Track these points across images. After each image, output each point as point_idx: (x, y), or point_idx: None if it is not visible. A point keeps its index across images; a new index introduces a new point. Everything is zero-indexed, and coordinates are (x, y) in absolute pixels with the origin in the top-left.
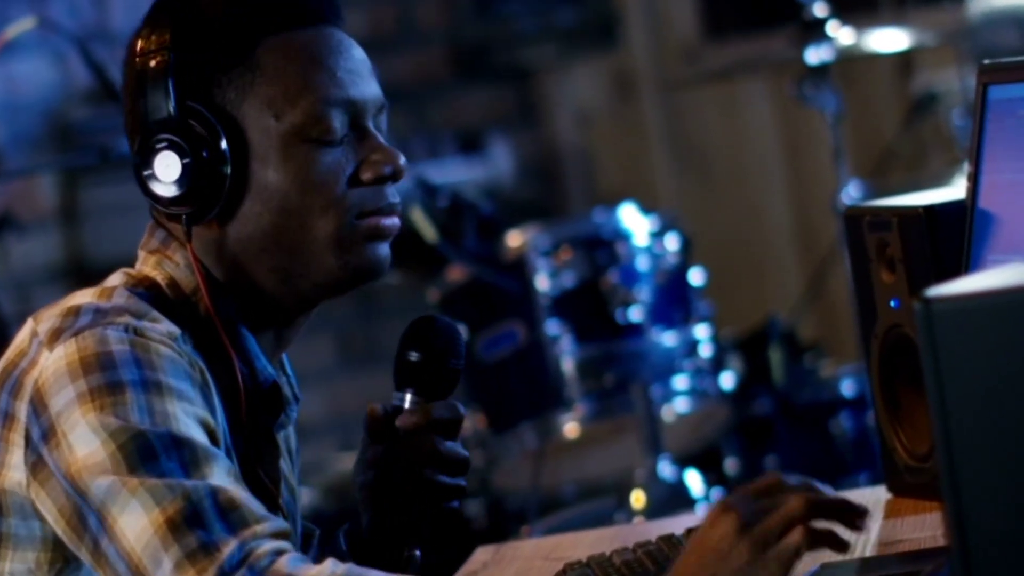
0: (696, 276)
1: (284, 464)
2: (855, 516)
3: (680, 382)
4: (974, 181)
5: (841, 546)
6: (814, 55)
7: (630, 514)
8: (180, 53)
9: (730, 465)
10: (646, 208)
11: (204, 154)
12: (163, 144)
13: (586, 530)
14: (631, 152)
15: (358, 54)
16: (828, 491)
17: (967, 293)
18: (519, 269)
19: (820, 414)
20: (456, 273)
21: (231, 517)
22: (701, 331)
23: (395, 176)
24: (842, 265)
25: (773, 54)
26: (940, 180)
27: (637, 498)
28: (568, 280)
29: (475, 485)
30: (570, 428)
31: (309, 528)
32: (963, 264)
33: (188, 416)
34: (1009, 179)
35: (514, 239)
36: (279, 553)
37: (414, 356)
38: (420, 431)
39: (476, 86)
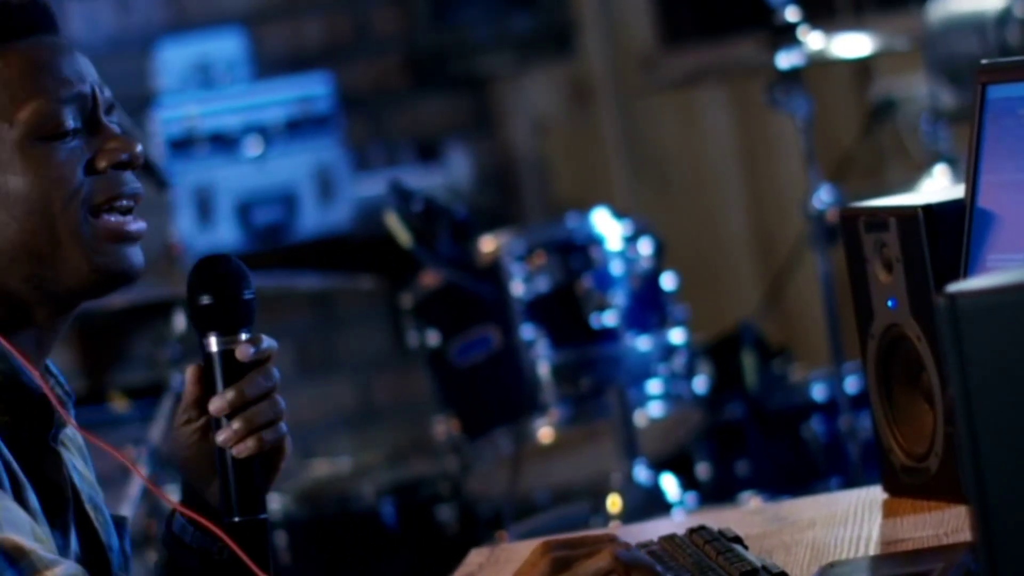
0: (669, 281)
1: (77, 462)
2: None
3: (654, 386)
4: (972, 180)
5: None
6: (784, 60)
7: (606, 518)
8: None
9: (702, 470)
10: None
11: None
12: None
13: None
14: (588, 160)
15: (81, 58)
16: (642, 557)
17: (991, 288)
18: (493, 274)
19: (792, 419)
20: (430, 278)
21: (21, 565)
22: (676, 335)
23: (132, 162)
24: (804, 270)
25: (736, 60)
26: (900, 186)
27: (613, 502)
28: (542, 285)
29: (448, 491)
30: (545, 433)
31: (119, 517)
32: (962, 264)
33: None
34: (1008, 179)
35: (488, 244)
36: None
37: (206, 300)
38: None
39: (433, 94)
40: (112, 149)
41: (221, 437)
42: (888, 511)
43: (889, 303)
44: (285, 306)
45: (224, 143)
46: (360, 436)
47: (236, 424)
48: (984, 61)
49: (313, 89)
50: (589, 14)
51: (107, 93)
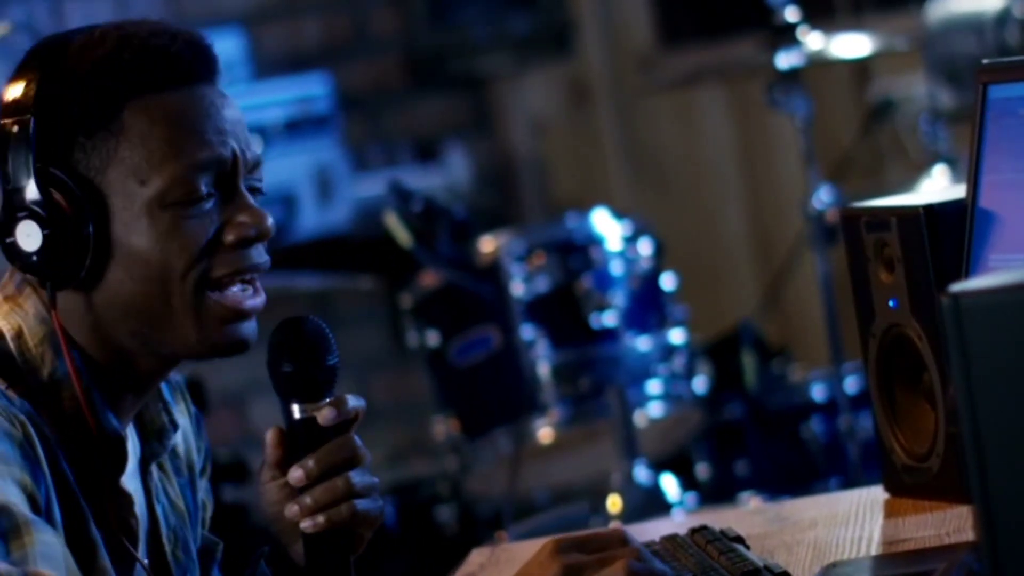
0: (668, 281)
1: (171, 488)
2: None
3: (653, 387)
4: (974, 180)
5: None
6: (784, 60)
7: (606, 519)
8: (43, 115)
9: (701, 470)
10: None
11: (65, 223)
12: (24, 214)
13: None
14: (587, 160)
15: (231, 113)
16: (656, 563)
17: (994, 287)
18: (493, 274)
19: (791, 419)
20: (429, 278)
21: None
22: (676, 335)
23: (260, 237)
24: (803, 269)
25: (735, 60)
26: (899, 186)
27: (613, 502)
28: (542, 285)
29: (448, 491)
30: (544, 433)
31: (211, 543)
32: (963, 264)
33: (4, 479)
34: (1009, 178)
35: (488, 244)
36: None
37: (288, 368)
38: (341, 427)
39: (432, 94)
40: (241, 223)
41: (291, 511)
42: (889, 511)
43: (890, 303)
44: (284, 306)
45: None
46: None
47: (307, 499)
48: (985, 61)
49: (312, 89)
50: (588, 14)
51: (251, 154)
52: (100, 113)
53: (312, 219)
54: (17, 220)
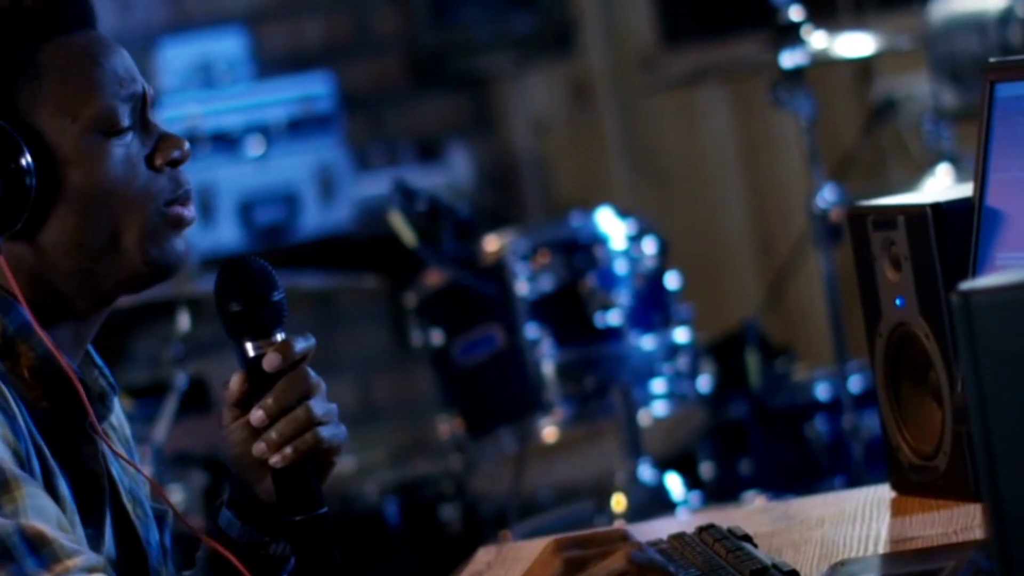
0: (672, 280)
1: (119, 449)
2: None
3: (658, 385)
4: (981, 179)
5: None
6: (788, 59)
7: (610, 518)
8: None
9: (705, 469)
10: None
11: (3, 170)
12: None
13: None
14: (588, 159)
15: (127, 53)
16: (656, 558)
17: (1005, 286)
18: (497, 273)
19: (795, 418)
20: (434, 277)
21: (43, 553)
22: (680, 334)
23: (184, 158)
24: (805, 268)
25: (737, 60)
26: (902, 186)
27: (617, 501)
28: (546, 284)
29: (452, 490)
30: (549, 432)
31: (161, 511)
32: (971, 262)
33: None
34: (1016, 177)
35: (492, 243)
36: None
37: (236, 307)
38: (288, 369)
39: (433, 94)
40: (167, 147)
41: (258, 449)
42: (896, 510)
43: (897, 302)
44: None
45: (225, 143)
46: (360, 436)
47: (272, 434)
48: (992, 59)
49: (314, 89)
50: (590, 13)
51: (151, 90)
52: (17, 59)
53: (314, 218)
54: None
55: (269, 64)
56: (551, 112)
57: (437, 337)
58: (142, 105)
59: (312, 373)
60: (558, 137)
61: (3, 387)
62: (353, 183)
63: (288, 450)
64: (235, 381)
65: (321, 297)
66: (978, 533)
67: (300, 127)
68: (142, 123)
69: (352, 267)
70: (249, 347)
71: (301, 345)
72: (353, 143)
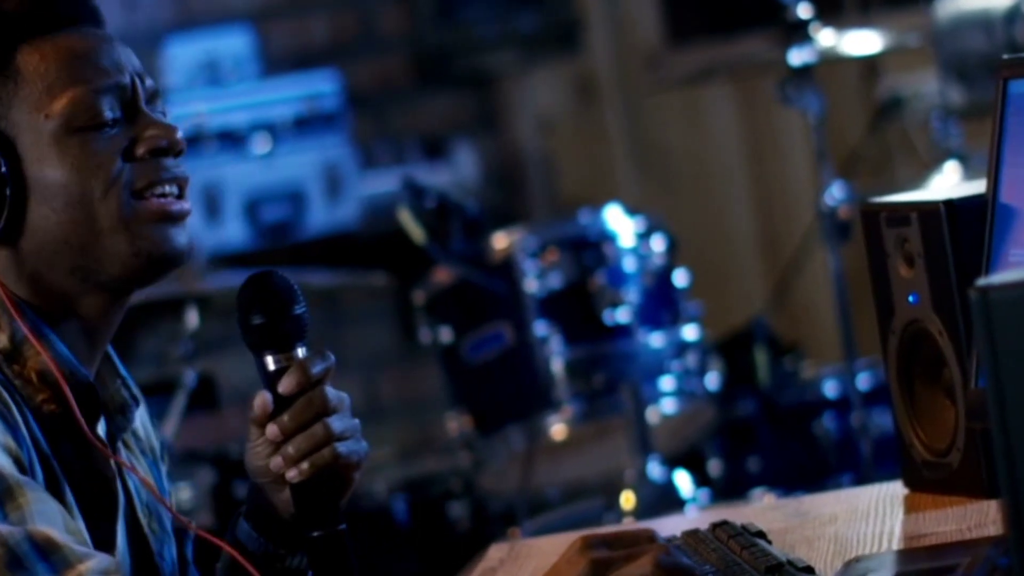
0: (681, 277)
1: (140, 465)
2: None
3: (667, 383)
4: (994, 175)
5: None
6: (796, 57)
7: (619, 515)
8: None
9: (713, 467)
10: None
11: None
12: None
13: (577, 531)
14: (594, 158)
15: (122, 48)
16: (684, 562)
17: (1022, 281)
18: (506, 270)
19: (803, 416)
20: (442, 275)
21: (53, 559)
22: (689, 332)
23: (172, 148)
24: (812, 266)
25: (743, 58)
26: (908, 183)
27: (626, 499)
28: (555, 281)
29: (461, 487)
30: (557, 429)
31: (183, 524)
32: (984, 258)
33: None
34: None
35: (501, 241)
36: None
37: (258, 320)
38: (305, 389)
39: (439, 92)
40: (151, 136)
41: (275, 464)
42: (909, 506)
43: (910, 298)
44: None
45: (232, 140)
46: (367, 433)
47: (289, 449)
48: (1005, 56)
49: (320, 87)
50: (595, 11)
51: (149, 83)
52: None
53: (321, 216)
54: None
55: (275, 62)
56: (556, 110)
57: (446, 334)
58: (132, 96)
59: (332, 391)
60: (563, 135)
61: (5, 395)
62: (359, 181)
63: (305, 465)
64: (259, 402)
65: (328, 295)
66: (992, 530)
67: (306, 125)
68: (131, 114)
69: (359, 264)
70: (270, 360)
71: (318, 367)
72: (359, 141)
